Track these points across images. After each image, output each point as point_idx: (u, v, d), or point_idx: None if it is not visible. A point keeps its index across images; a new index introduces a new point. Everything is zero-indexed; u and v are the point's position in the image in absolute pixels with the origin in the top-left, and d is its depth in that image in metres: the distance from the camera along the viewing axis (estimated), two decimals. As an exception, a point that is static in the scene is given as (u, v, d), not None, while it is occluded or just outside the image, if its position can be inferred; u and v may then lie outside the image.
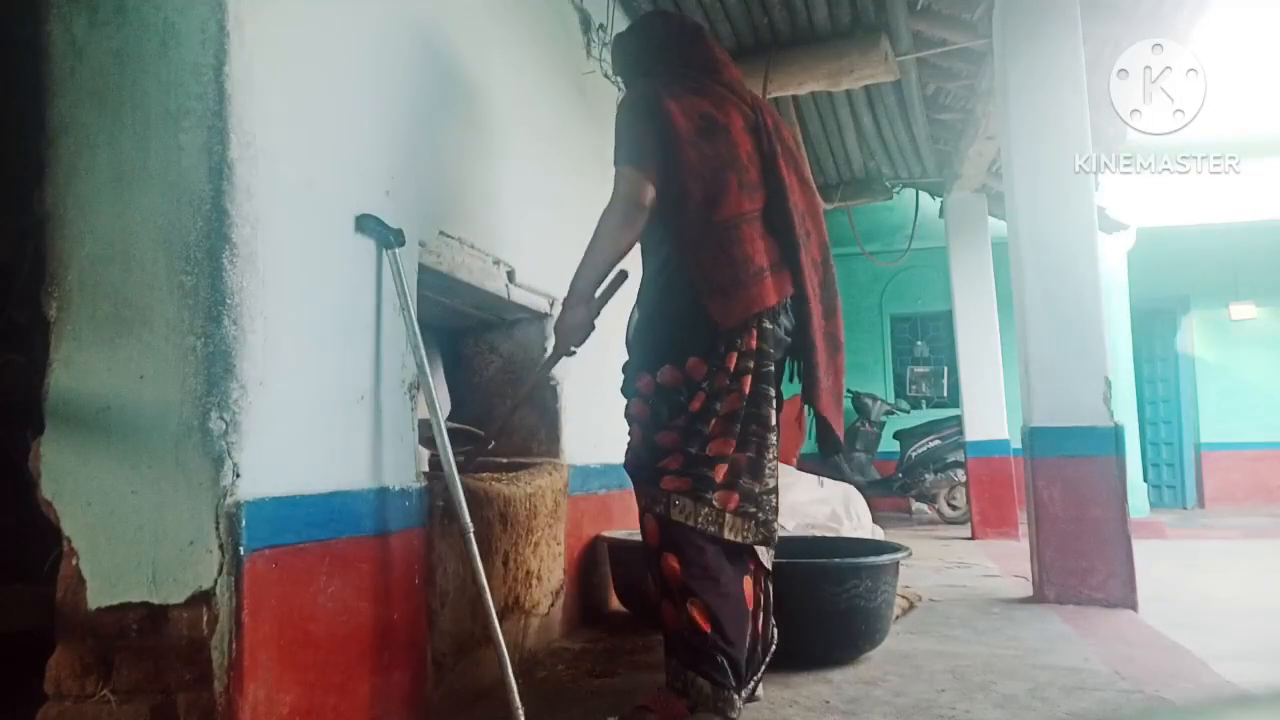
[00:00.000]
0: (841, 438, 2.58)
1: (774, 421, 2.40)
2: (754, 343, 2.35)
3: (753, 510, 2.34)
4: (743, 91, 2.56)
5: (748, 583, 2.36)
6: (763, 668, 2.42)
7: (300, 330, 1.86)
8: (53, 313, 1.72)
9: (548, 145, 3.40)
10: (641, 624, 3.32)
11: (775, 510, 2.41)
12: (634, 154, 2.33)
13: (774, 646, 2.47)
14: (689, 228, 2.34)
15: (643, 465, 2.42)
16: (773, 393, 2.39)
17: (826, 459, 2.65)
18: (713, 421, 2.33)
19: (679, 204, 2.33)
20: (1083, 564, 3.77)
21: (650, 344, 2.46)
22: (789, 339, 2.48)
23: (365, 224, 2.07)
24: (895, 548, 3.12)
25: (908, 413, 9.11)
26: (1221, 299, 9.63)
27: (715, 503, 2.30)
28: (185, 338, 1.67)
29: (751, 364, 2.35)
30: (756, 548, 2.38)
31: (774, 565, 2.48)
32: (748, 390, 2.34)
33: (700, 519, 2.29)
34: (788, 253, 2.44)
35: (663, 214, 2.36)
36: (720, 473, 2.32)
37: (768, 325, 2.37)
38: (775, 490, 2.41)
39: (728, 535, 2.30)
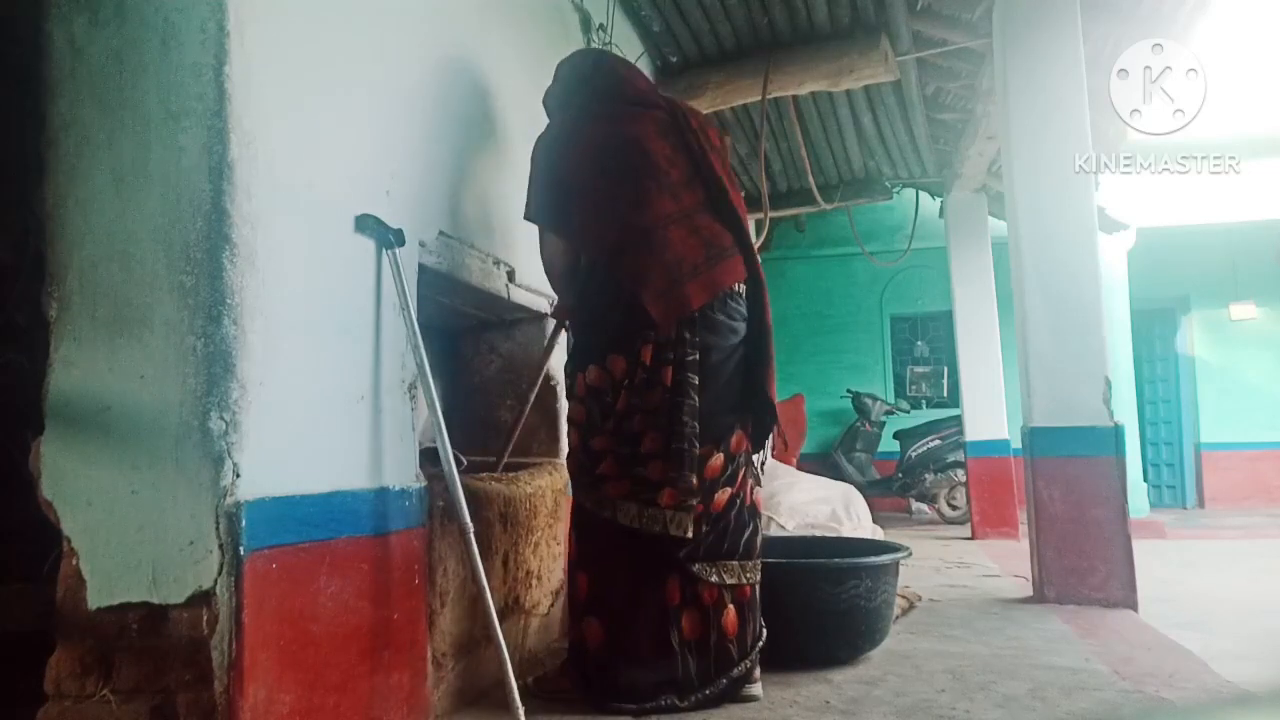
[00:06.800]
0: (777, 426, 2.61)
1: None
2: (671, 332, 2.35)
3: (693, 502, 2.34)
4: (655, 100, 2.64)
5: (672, 585, 2.37)
6: (746, 663, 2.41)
7: (300, 330, 1.86)
8: (53, 313, 1.72)
9: (548, 145, 3.38)
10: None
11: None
12: (542, 211, 2.51)
13: (760, 642, 2.48)
14: (608, 235, 2.42)
15: (583, 470, 2.46)
16: (697, 380, 2.36)
17: (761, 446, 2.64)
18: (637, 418, 2.35)
19: (588, 227, 2.45)
20: (1083, 564, 3.77)
21: (580, 345, 2.54)
22: (743, 323, 2.46)
23: (365, 224, 2.07)
24: (895, 548, 3.12)
25: (908, 413, 9.12)
26: (1221, 299, 9.61)
27: (660, 502, 2.32)
28: (185, 338, 1.67)
29: (671, 355, 2.34)
30: (706, 565, 2.37)
31: (774, 566, 2.48)
32: (669, 382, 2.34)
33: (645, 520, 2.32)
34: (739, 237, 2.48)
35: (572, 236, 2.51)
36: (655, 470, 2.33)
37: (698, 315, 2.37)
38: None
39: (673, 531, 2.32)
